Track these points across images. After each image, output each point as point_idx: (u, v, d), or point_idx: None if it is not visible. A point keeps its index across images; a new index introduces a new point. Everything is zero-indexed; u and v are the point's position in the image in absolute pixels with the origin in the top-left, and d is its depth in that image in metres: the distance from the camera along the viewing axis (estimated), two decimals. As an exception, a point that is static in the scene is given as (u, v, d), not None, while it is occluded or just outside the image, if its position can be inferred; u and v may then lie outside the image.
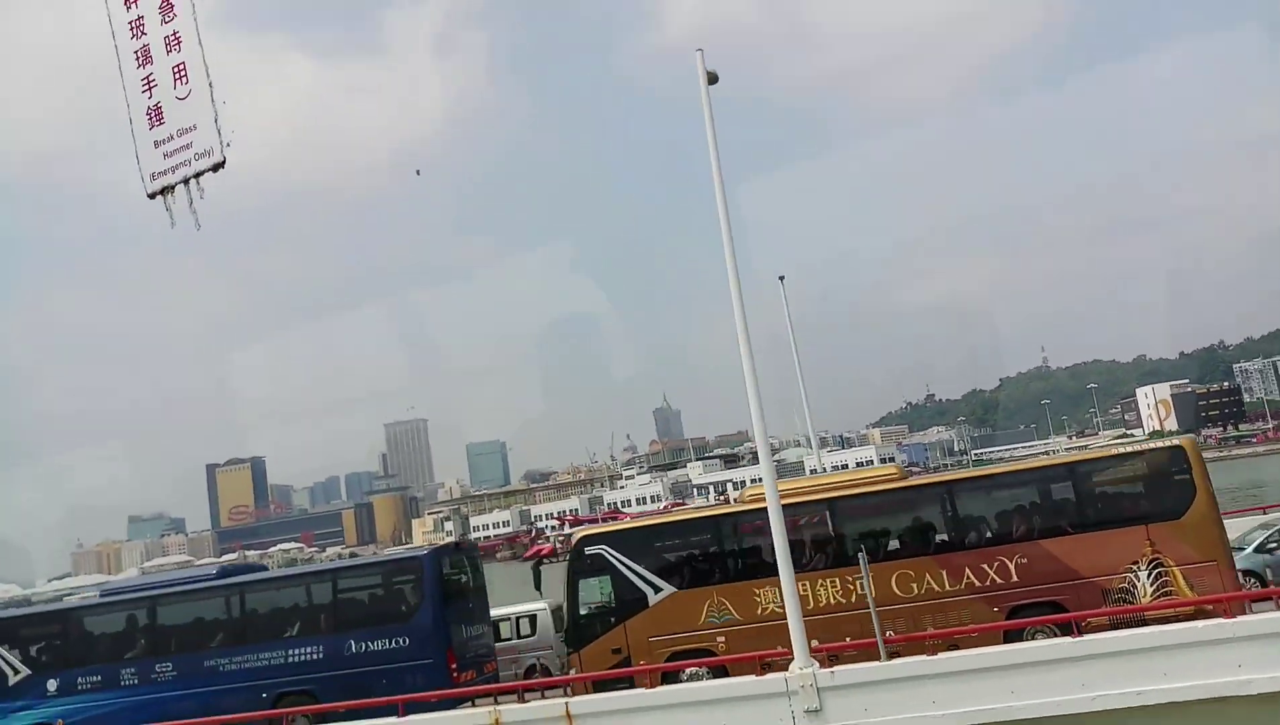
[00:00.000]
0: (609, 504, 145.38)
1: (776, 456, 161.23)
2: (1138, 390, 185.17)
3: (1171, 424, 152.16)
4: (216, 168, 10.53)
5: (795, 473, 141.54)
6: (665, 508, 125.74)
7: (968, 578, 16.08)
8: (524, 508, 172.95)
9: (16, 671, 19.80)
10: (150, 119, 10.63)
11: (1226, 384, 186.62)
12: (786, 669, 12.86)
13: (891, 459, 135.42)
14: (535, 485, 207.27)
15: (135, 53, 10.74)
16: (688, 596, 17.09)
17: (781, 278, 33.26)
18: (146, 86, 10.73)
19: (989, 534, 16.83)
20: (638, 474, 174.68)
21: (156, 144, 10.61)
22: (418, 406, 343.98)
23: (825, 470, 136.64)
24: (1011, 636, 15.02)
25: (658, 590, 17.18)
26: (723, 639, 16.55)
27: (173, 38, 10.65)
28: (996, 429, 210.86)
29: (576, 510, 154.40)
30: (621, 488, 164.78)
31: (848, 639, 14.73)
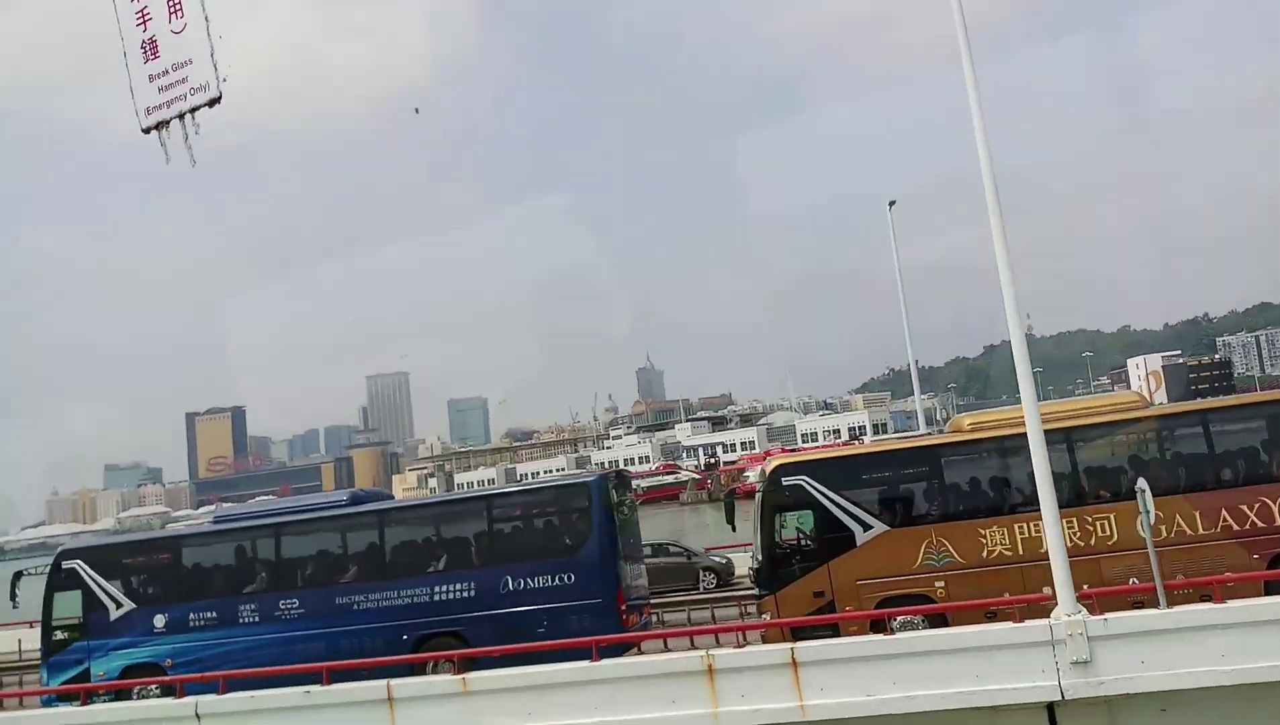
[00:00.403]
0: (597, 463, 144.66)
1: (764, 420, 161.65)
2: (1129, 361, 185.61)
3: (1161, 396, 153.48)
4: (212, 103, 10.38)
5: (785, 435, 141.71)
6: (658, 469, 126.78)
7: (1224, 520, 14.29)
8: (509, 466, 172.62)
9: (119, 605, 17.73)
10: (145, 52, 10.43)
11: (1218, 357, 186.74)
12: (1049, 615, 11.25)
13: (884, 426, 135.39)
14: (519, 443, 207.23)
15: (129, -17, 10.45)
16: (901, 536, 15.28)
17: (891, 203, 30.26)
18: (141, 20, 10.53)
19: (1249, 471, 14.83)
20: (625, 434, 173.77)
21: (151, 78, 10.41)
22: (399, 359, 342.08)
23: (816, 434, 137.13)
24: (1273, 588, 13.26)
25: (866, 528, 15.33)
26: (942, 583, 14.88)
27: (168, -31, 10.38)
28: (982, 398, 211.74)
29: (563, 469, 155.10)
30: (609, 448, 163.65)
31: (1132, 581, 13.38)
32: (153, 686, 16.07)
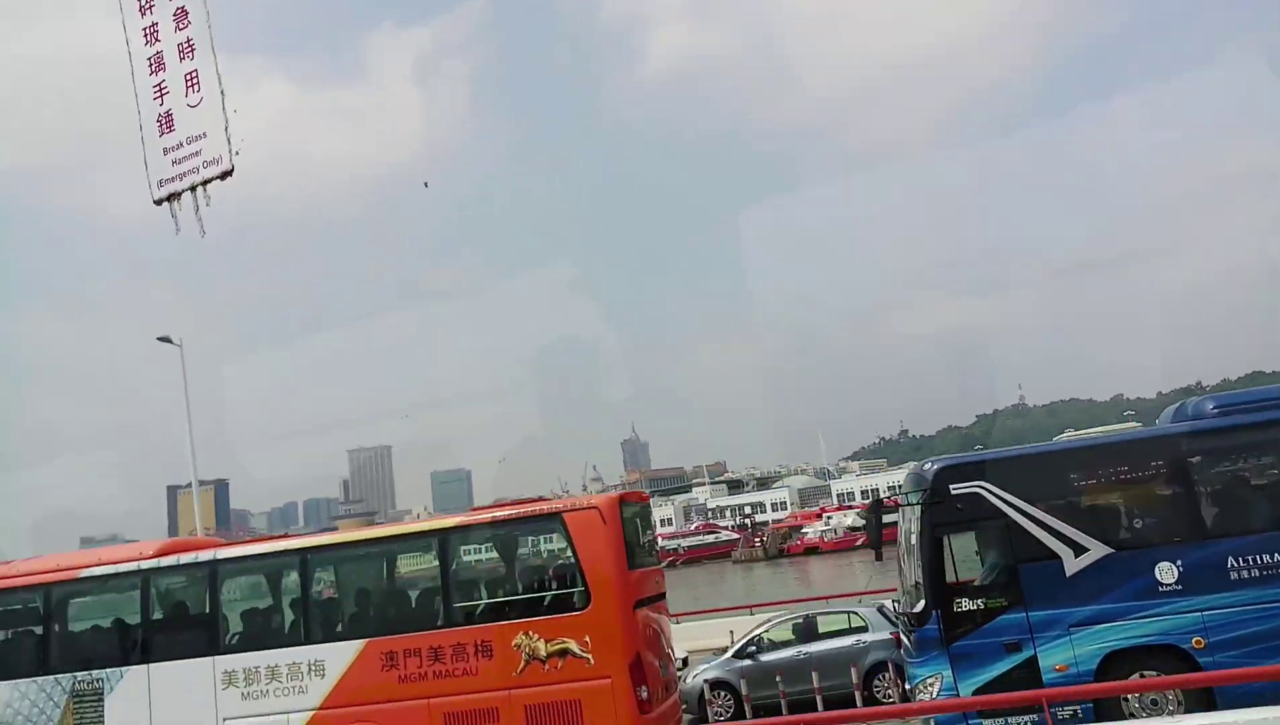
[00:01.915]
0: None
1: (779, 483, 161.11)
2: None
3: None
4: (224, 175, 10.47)
5: (819, 495, 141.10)
6: (698, 528, 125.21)
7: None
8: None
9: (1079, 550, 11.38)
10: (160, 126, 10.54)
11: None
12: None
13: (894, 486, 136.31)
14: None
15: (148, 60, 10.62)
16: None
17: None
18: (159, 94, 10.64)
19: None
20: None
21: (165, 151, 10.50)
22: (380, 435, 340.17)
23: (853, 493, 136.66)
24: None
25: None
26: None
27: (186, 45, 10.60)
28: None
29: None
30: None
31: None
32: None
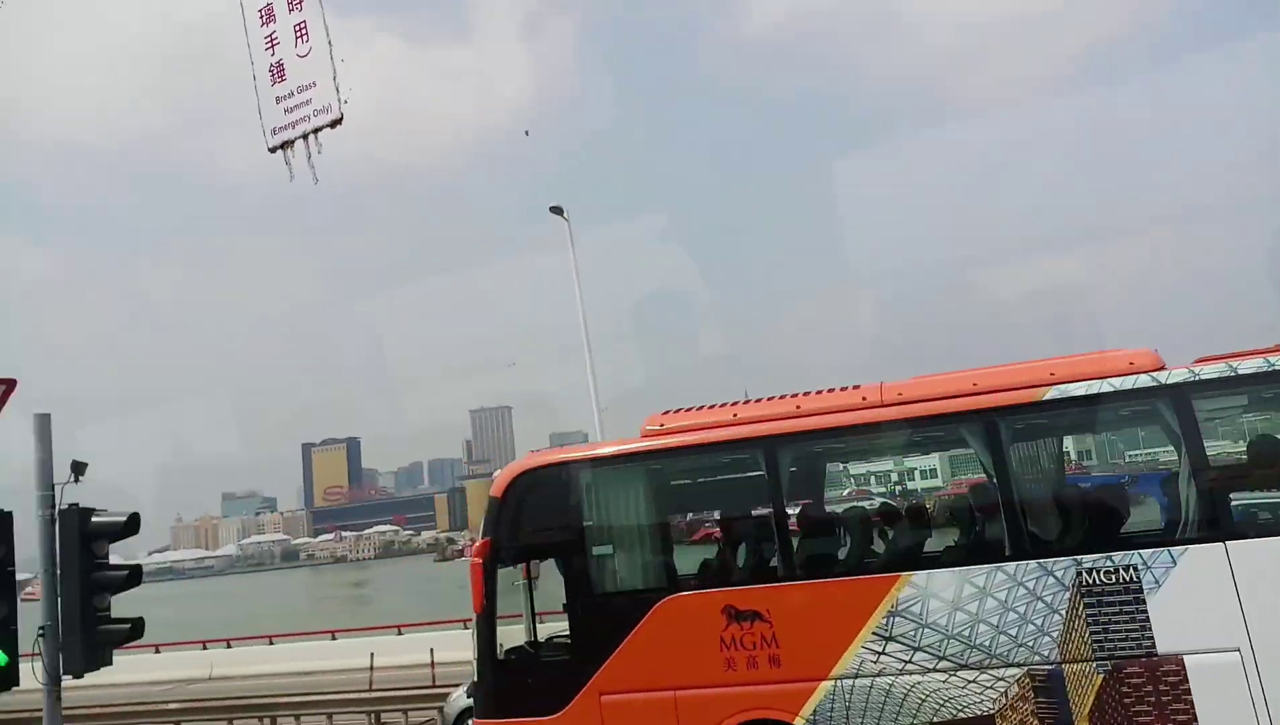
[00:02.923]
0: None
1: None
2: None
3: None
4: (335, 124, 10.75)
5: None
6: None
7: None
8: None
9: None
10: (273, 75, 10.90)
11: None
12: None
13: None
14: None
15: (259, 11, 10.98)
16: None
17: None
18: (270, 45, 11.00)
19: None
20: None
21: (278, 100, 10.84)
22: (499, 396, 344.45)
23: None
24: None
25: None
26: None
27: (295, -4, 10.84)
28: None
29: None
30: None
31: None
32: None
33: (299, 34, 10.95)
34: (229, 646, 29.26)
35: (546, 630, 11.08)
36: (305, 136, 10.77)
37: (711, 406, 10.14)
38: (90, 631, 8.05)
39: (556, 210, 25.44)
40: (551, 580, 10.47)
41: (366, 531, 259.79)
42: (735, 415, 9.86)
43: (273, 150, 10.87)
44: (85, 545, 8.15)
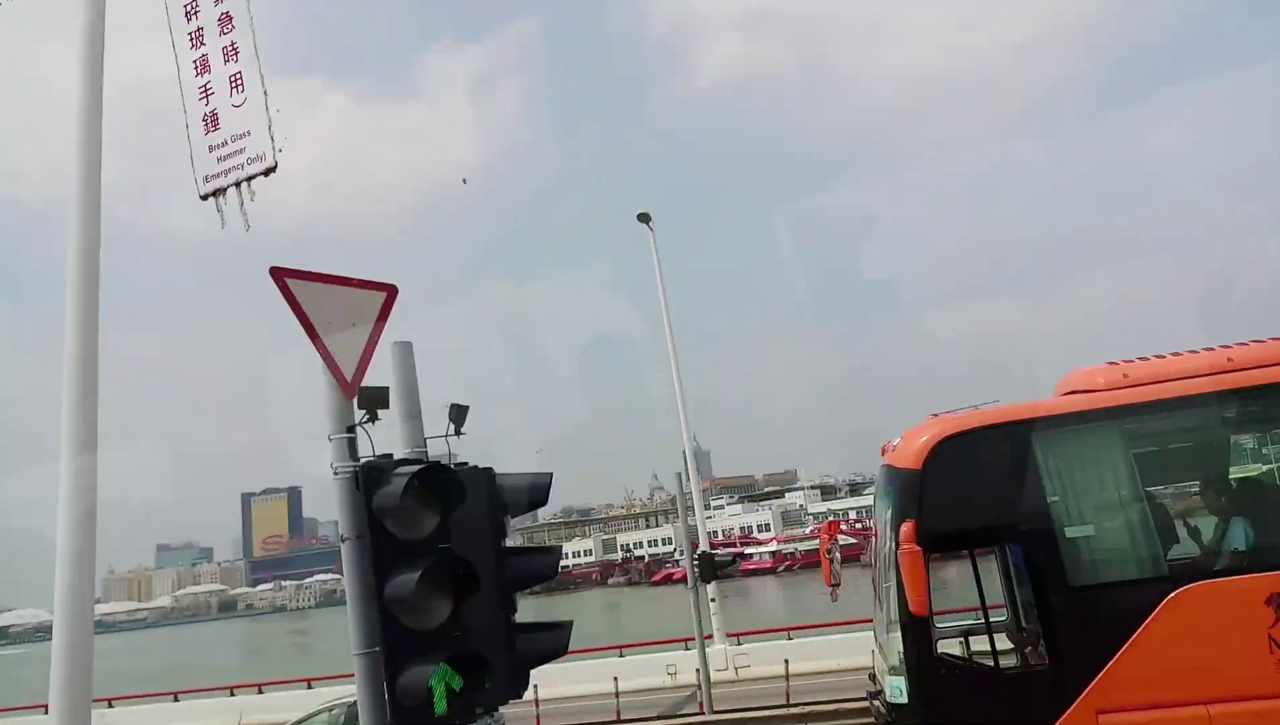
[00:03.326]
0: (708, 533, 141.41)
1: (788, 499, 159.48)
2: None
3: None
4: (268, 172, 10.98)
5: (801, 519, 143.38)
6: (811, 532, 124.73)
7: None
8: (606, 537, 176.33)
9: None
10: (206, 125, 11.10)
11: None
12: None
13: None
14: (608, 515, 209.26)
15: (194, 62, 11.19)
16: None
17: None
18: (204, 95, 11.19)
19: None
20: (728, 504, 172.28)
21: (211, 148, 11.04)
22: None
23: None
24: None
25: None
26: None
27: (230, 48, 11.15)
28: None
29: (669, 539, 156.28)
30: (709, 517, 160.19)
31: None
32: None
33: (234, 84, 11.19)
34: (260, 692, 27.92)
35: (953, 630, 8.73)
36: (238, 184, 11.01)
37: (1173, 355, 8.22)
38: (512, 642, 5.50)
39: (644, 217, 26.33)
40: (975, 570, 8.16)
41: (307, 580, 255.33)
42: (1230, 359, 7.99)
43: (204, 197, 11.06)
44: (495, 518, 5.66)
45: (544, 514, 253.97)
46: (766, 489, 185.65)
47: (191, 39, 11.15)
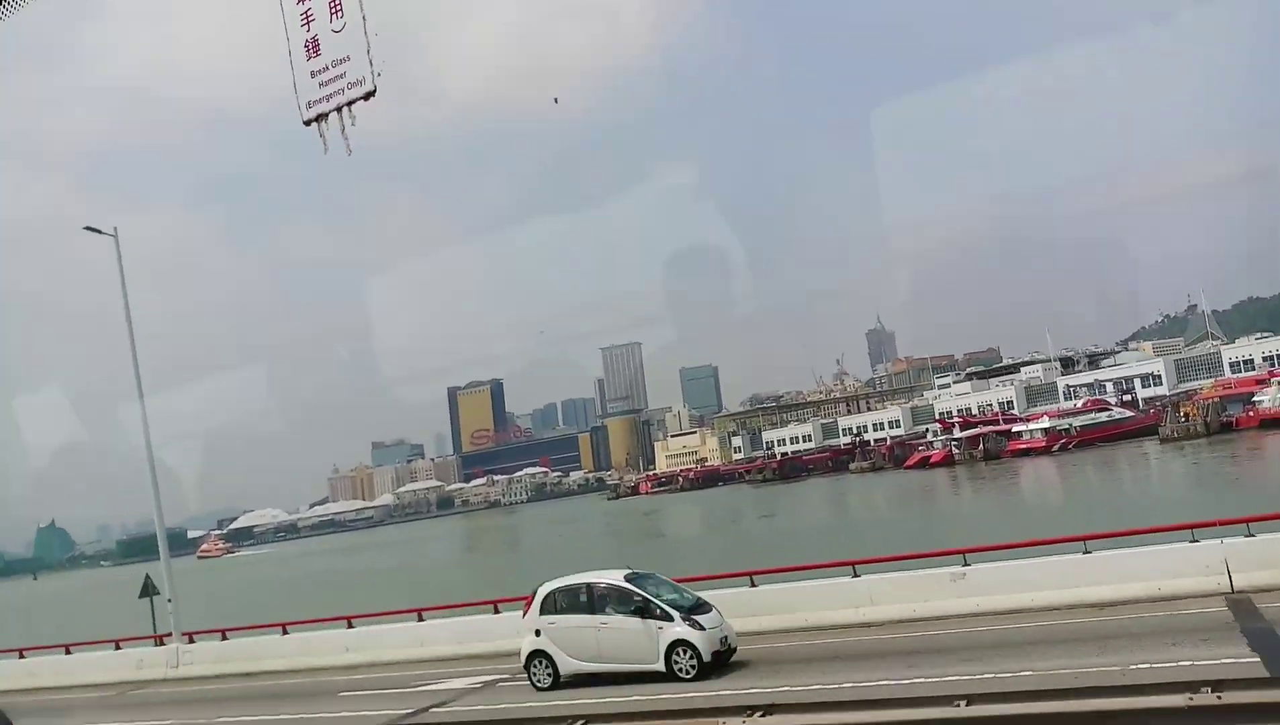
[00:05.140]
0: (941, 413, 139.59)
1: (1025, 374, 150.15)
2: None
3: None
4: (368, 96, 11.15)
5: (1202, 365, 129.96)
6: (1086, 405, 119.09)
7: None
8: (825, 421, 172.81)
9: None
10: (308, 51, 11.33)
11: None
12: None
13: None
14: (803, 401, 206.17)
15: (293, -12, 11.37)
16: None
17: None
18: (305, 20, 11.41)
19: None
20: (954, 382, 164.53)
21: (313, 74, 11.28)
22: (633, 333, 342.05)
23: (1254, 361, 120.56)
24: None
25: None
26: None
27: (327, -29, 11.22)
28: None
29: (898, 421, 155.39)
30: (936, 398, 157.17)
31: None
32: None
33: (333, 10, 11.36)
34: (420, 618, 23.44)
35: None
36: (339, 109, 11.25)
37: None
38: None
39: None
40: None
41: (516, 474, 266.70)
42: None
43: (307, 123, 11.28)
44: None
45: (731, 403, 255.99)
46: (1006, 362, 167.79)
47: (288, -34, 11.35)
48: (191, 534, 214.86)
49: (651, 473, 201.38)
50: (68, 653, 28.34)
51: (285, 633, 24.79)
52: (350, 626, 23.68)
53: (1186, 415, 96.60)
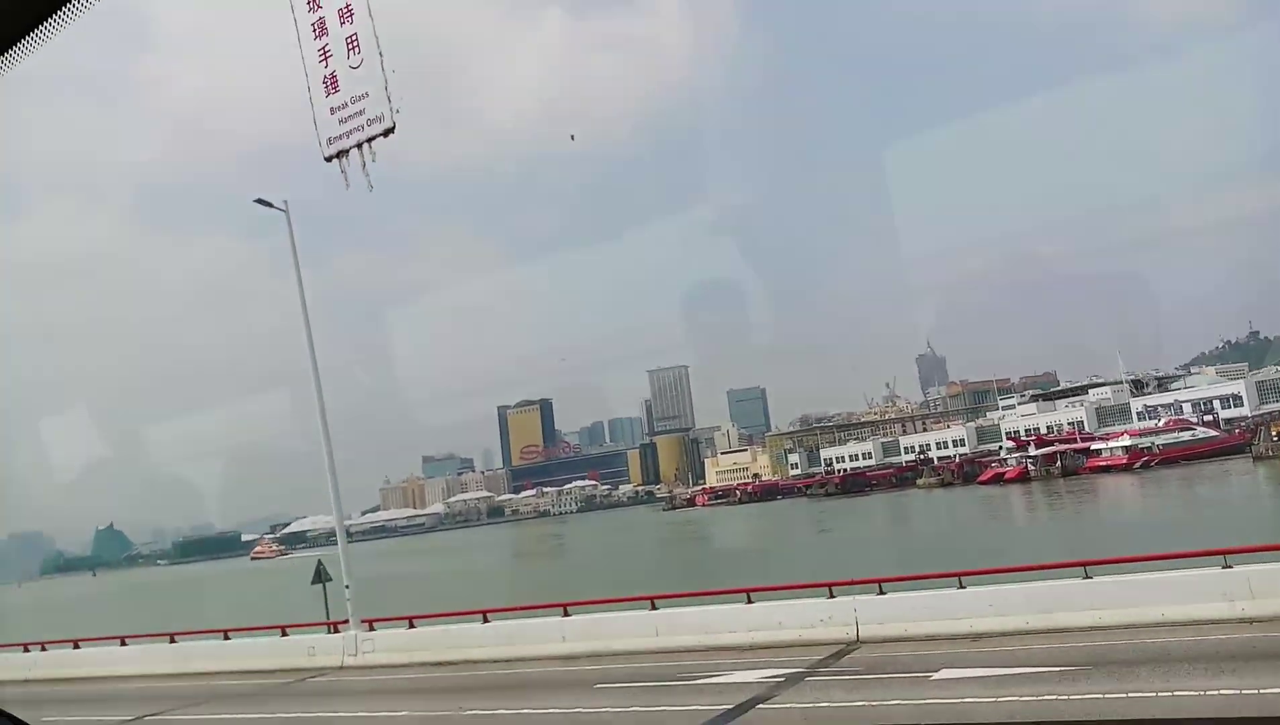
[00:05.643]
0: (1008, 432, 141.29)
1: (1094, 396, 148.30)
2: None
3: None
4: (387, 133, 11.22)
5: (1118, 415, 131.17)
6: (1168, 424, 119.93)
7: None
8: (885, 440, 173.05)
9: None
10: (326, 87, 11.41)
11: None
12: None
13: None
14: (856, 421, 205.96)
15: (312, 25, 11.51)
16: None
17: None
18: (323, 57, 11.50)
19: None
20: (1018, 403, 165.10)
21: (332, 110, 11.36)
22: (676, 358, 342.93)
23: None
24: None
25: None
26: None
27: (345, 9, 11.36)
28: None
29: (962, 440, 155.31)
30: (1001, 419, 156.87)
31: None
32: None
33: (351, 46, 11.47)
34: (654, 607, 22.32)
35: None
36: (359, 146, 11.36)
37: None
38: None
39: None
40: None
41: (566, 486, 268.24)
42: None
43: (328, 159, 11.48)
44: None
45: (780, 424, 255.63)
46: (1064, 386, 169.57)
47: (309, 2, 11.48)
48: (246, 538, 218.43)
49: (705, 486, 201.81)
50: (226, 638, 27.77)
51: (486, 620, 23.79)
52: (565, 614, 22.54)
53: (1277, 434, 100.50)
